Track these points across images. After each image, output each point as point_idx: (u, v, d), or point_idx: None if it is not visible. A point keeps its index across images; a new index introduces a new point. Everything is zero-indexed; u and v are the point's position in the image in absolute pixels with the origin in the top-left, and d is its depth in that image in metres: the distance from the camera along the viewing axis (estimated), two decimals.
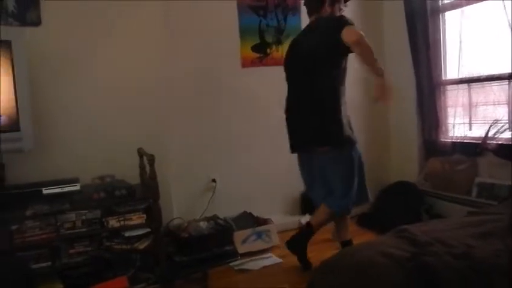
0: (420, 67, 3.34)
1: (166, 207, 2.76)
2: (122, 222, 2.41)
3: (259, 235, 2.99)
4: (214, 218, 3.08)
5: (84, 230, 2.34)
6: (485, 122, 3.00)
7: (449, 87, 3.29)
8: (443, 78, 3.34)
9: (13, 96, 2.26)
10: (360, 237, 2.90)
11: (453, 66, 3.25)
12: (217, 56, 3.22)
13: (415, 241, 1.66)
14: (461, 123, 3.21)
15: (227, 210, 3.18)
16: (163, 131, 3.01)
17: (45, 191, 2.35)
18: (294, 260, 2.67)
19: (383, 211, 3.34)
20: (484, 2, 2.93)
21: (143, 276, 2.48)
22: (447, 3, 3.27)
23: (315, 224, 2.61)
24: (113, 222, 2.40)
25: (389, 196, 3.44)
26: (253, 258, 2.84)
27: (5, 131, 2.22)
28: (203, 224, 2.95)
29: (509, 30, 2.67)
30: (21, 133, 2.28)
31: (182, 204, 3.11)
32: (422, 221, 2.74)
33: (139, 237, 2.47)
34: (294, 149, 2.61)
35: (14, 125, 2.26)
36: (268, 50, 3.41)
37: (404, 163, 3.65)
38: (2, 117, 2.24)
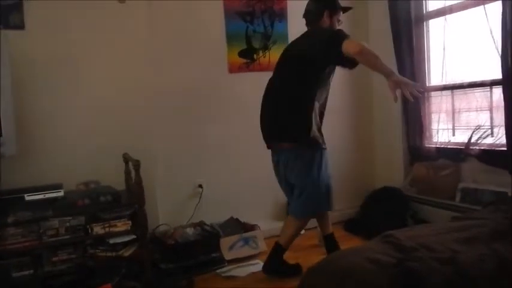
0: (405, 74, 3.37)
1: (152, 213, 2.74)
2: (107, 229, 2.38)
3: (246, 241, 2.98)
4: (201, 224, 3.06)
5: (67, 237, 2.30)
6: (468, 127, 3.05)
7: (433, 93, 3.35)
8: (428, 84, 3.40)
9: None
10: (347, 242, 2.91)
11: (437, 73, 3.31)
12: (204, 61, 3.21)
13: (400, 246, 1.67)
14: (445, 129, 3.26)
15: (214, 216, 3.16)
16: (149, 136, 2.98)
17: (27, 198, 2.31)
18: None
19: (369, 216, 3.36)
20: (466, 10, 2.99)
21: (128, 284, 2.43)
22: (431, 11, 3.33)
23: (283, 242, 2.58)
24: (98, 229, 2.37)
25: (375, 202, 3.46)
26: (241, 264, 2.82)
27: None
28: (189, 231, 2.92)
29: (491, 38, 2.73)
30: (3, 138, 2.24)
31: (168, 211, 3.08)
32: (407, 226, 2.76)
33: (124, 244, 2.44)
34: (267, 145, 2.62)
35: None
36: (255, 56, 3.42)
37: (389, 169, 3.69)
38: None
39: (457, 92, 3.14)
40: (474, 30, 2.93)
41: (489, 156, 2.85)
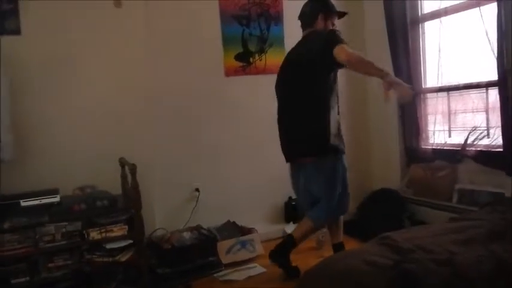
0: (401, 76, 3.38)
1: (149, 217, 2.73)
2: (103, 234, 2.37)
3: (243, 245, 2.97)
4: (198, 228, 3.04)
5: (64, 242, 2.29)
6: (465, 129, 3.05)
7: (429, 95, 3.35)
8: (424, 86, 3.41)
9: None
10: (344, 244, 2.89)
11: (433, 74, 3.31)
12: (200, 64, 3.21)
13: (397, 248, 1.67)
14: (441, 130, 3.26)
15: (211, 220, 3.15)
16: (146, 140, 2.98)
17: (23, 203, 2.29)
18: (279, 269, 2.65)
19: (367, 218, 3.36)
20: (462, 12, 3.00)
21: None
22: (426, 13, 3.34)
23: (297, 236, 2.61)
24: (94, 234, 2.35)
25: (372, 203, 3.46)
26: (238, 268, 2.81)
27: None
28: (186, 235, 2.91)
29: (487, 39, 2.74)
30: (2, 143, 2.23)
31: (165, 215, 3.07)
32: (404, 228, 2.76)
33: (121, 249, 2.42)
34: (286, 157, 2.63)
35: None
36: (251, 59, 3.42)
37: (386, 170, 3.69)
38: None
39: (453, 93, 3.15)
40: (470, 32, 2.94)
41: (485, 157, 2.85)
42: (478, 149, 2.91)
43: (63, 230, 2.29)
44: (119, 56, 2.89)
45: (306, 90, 2.44)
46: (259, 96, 3.37)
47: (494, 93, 2.79)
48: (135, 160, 2.45)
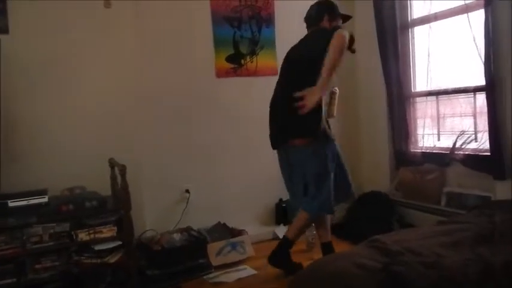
0: (391, 80, 3.43)
1: (139, 218, 2.71)
2: (92, 235, 2.35)
3: (233, 246, 2.96)
4: (188, 229, 3.03)
5: (51, 244, 2.26)
6: (453, 132, 3.09)
7: (418, 99, 3.39)
8: (413, 90, 3.44)
9: None
10: (335, 247, 2.91)
11: (422, 79, 3.35)
12: (191, 66, 3.21)
13: (386, 251, 1.69)
14: (430, 134, 3.30)
15: (201, 221, 3.14)
16: (136, 141, 2.96)
17: (11, 204, 2.27)
18: (269, 271, 2.66)
19: (356, 221, 3.38)
20: (450, 18, 3.05)
21: None
22: (416, 18, 3.38)
23: (291, 234, 2.62)
24: (83, 236, 2.33)
25: (361, 206, 3.48)
26: (228, 270, 2.81)
27: None
28: (176, 236, 2.90)
29: (474, 45, 2.78)
30: None
31: (155, 216, 3.05)
32: (393, 230, 2.78)
33: (110, 251, 2.40)
34: (273, 143, 2.63)
35: None
36: (242, 61, 3.42)
37: (375, 173, 3.72)
38: None
39: (441, 97, 3.19)
40: (458, 38, 2.98)
41: (473, 161, 2.89)
42: (466, 152, 2.95)
43: (51, 231, 2.26)
44: (109, 57, 2.88)
45: (302, 80, 2.44)
46: (250, 97, 3.38)
47: (481, 98, 2.83)
48: (125, 161, 2.43)
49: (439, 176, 3.16)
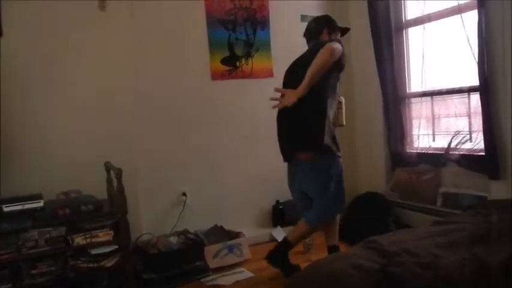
0: (386, 81, 3.44)
1: (135, 222, 2.70)
2: (88, 240, 2.34)
3: (230, 249, 2.96)
4: (185, 232, 3.03)
5: (47, 248, 2.25)
6: (448, 133, 3.11)
7: (413, 99, 3.41)
8: (408, 91, 3.46)
9: None
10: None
11: (417, 79, 3.37)
12: (186, 68, 3.21)
13: (383, 252, 1.69)
14: (425, 135, 3.32)
15: (198, 224, 3.13)
16: (131, 144, 2.95)
17: (5, 209, 2.24)
18: (266, 274, 2.66)
19: (352, 222, 3.38)
20: (444, 19, 3.07)
21: None
22: (410, 19, 3.40)
23: (292, 238, 2.63)
24: (79, 240, 2.32)
25: (358, 207, 3.49)
26: (225, 273, 2.80)
27: None
28: (173, 239, 2.89)
29: (468, 45, 2.79)
30: None
31: (151, 219, 3.05)
32: (390, 231, 2.78)
33: (106, 255, 2.39)
34: (283, 156, 2.65)
35: None
36: (237, 63, 3.43)
37: (371, 174, 3.73)
38: None
39: (436, 98, 3.21)
40: (452, 39, 3.00)
41: (468, 161, 2.91)
42: (461, 153, 2.96)
43: (47, 235, 2.25)
44: (104, 59, 2.87)
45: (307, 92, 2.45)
46: (245, 100, 3.38)
47: (476, 98, 2.84)
48: (121, 164, 2.43)
49: (435, 176, 3.18)
